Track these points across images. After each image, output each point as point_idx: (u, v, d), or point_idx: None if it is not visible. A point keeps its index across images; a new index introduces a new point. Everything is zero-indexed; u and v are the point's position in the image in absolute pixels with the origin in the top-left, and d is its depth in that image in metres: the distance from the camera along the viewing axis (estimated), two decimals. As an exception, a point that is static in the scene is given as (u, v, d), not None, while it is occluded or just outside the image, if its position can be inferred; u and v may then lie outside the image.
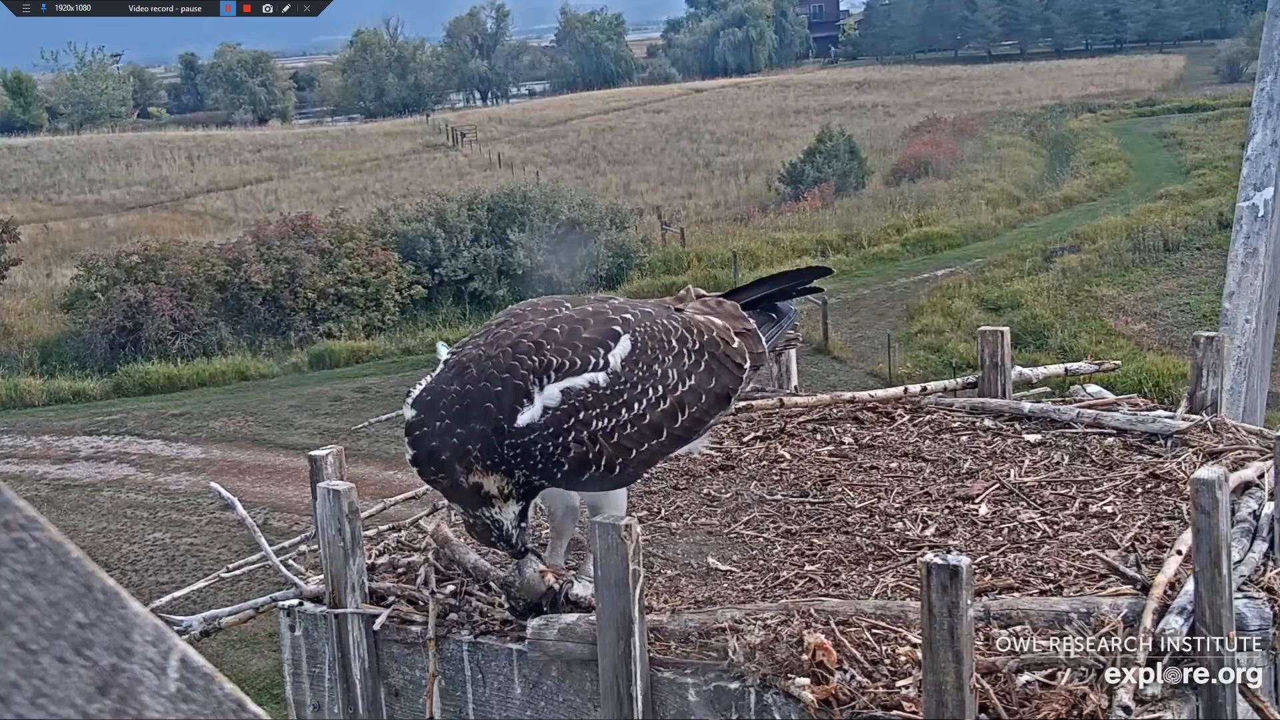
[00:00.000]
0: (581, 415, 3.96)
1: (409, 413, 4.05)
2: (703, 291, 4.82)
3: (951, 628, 3.37)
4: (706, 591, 4.46)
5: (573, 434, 3.94)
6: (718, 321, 4.48)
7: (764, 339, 4.68)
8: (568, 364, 3.99)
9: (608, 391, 4.02)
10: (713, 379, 4.31)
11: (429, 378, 4.13)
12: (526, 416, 3.92)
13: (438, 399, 4.00)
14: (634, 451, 4.08)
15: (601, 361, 4.04)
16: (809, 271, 5.49)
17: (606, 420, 4.01)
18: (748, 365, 4.48)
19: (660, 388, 4.14)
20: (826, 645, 3.72)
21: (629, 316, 4.22)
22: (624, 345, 4.11)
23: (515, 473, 3.96)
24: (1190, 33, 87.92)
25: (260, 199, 47.48)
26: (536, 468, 3.95)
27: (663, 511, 5.31)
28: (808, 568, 4.61)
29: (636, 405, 4.08)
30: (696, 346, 4.29)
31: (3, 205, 43.28)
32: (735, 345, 4.44)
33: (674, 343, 4.24)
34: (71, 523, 19.58)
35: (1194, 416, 5.56)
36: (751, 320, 4.65)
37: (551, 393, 3.95)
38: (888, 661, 3.72)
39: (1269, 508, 4.40)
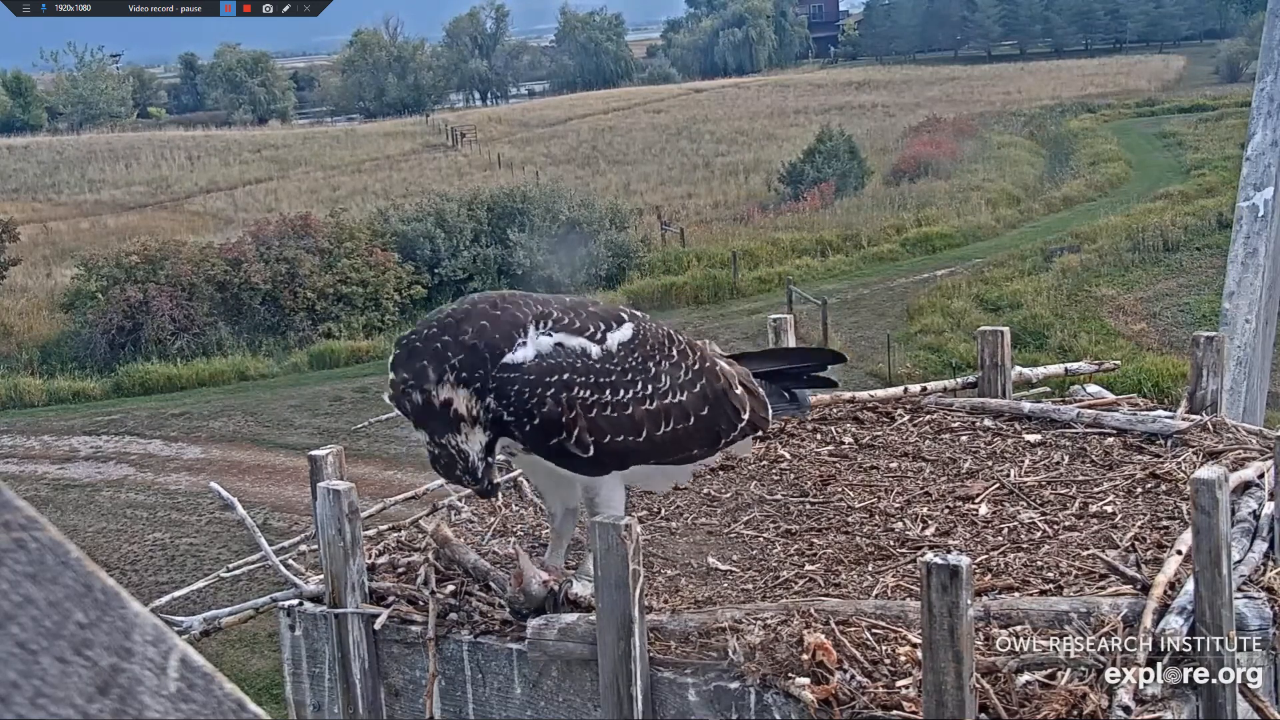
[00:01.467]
0: (566, 376, 3.93)
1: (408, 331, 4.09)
2: (717, 349, 4.77)
3: (951, 628, 3.37)
4: (706, 591, 4.46)
5: (552, 390, 3.90)
6: (725, 366, 4.43)
7: (770, 409, 4.58)
8: (567, 321, 4.01)
9: (598, 366, 4.00)
10: (705, 406, 4.25)
11: None
12: (518, 353, 3.89)
13: (435, 316, 4.06)
14: (608, 437, 4.02)
15: (600, 335, 4.05)
16: (822, 354, 5.44)
17: (588, 393, 3.97)
18: (745, 417, 4.39)
19: (650, 386, 4.11)
20: (826, 645, 3.72)
21: (636, 313, 4.27)
22: (625, 331, 4.11)
23: (487, 399, 3.90)
24: (1190, 33, 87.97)
25: (260, 199, 47.49)
26: (508, 408, 3.89)
27: (663, 511, 5.31)
28: (808, 568, 4.61)
29: (622, 392, 4.04)
30: (696, 367, 4.26)
31: (3, 205, 43.27)
32: (738, 392, 4.38)
33: (674, 352, 4.22)
34: (71, 523, 19.58)
35: (1194, 416, 5.56)
36: (760, 389, 4.55)
37: (545, 341, 3.94)
38: (888, 661, 3.72)
39: (1269, 508, 4.40)
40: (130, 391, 28.42)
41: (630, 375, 4.07)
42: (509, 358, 3.87)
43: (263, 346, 30.36)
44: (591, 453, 4.01)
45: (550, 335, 3.95)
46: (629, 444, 4.09)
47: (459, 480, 4.05)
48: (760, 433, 4.68)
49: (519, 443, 4.02)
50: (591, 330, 4.03)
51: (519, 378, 3.87)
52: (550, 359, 3.92)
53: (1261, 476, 4.68)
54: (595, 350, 4.01)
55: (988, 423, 5.94)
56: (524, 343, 3.91)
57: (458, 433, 3.90)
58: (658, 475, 4.51)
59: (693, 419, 4.23)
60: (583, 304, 4.18)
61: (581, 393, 3.96)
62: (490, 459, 4.00)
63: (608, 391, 4.01)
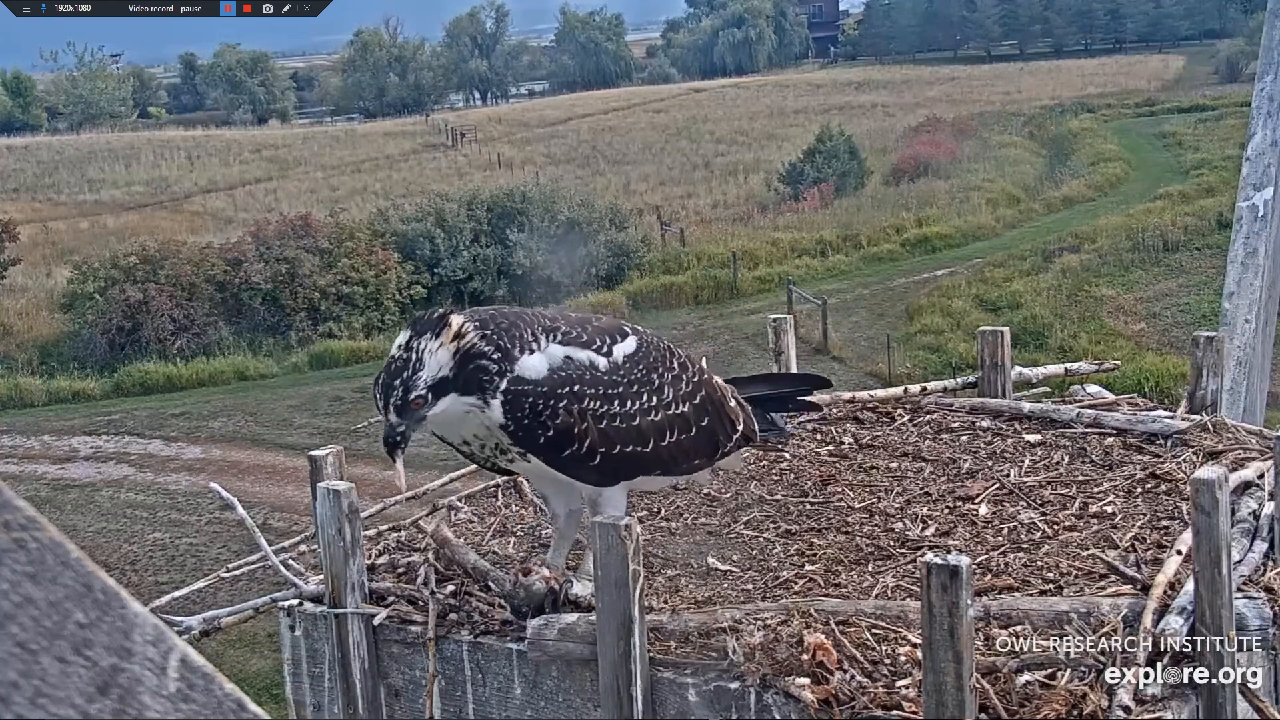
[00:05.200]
0: (576, 388, 3.98)
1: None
2: (703, 366, 4.80)
3: (951, 628, 3.37)
4: (706, 591, 4.47)
5: (564, 401, 3.95)
6: (719, 380, 4.53)
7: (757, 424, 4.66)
8: (574, 334, 4.06)
9: (606, 378, 4.06)
10: (705, 418, 4.31)
11: None
12: (532, 364, 3.91)
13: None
14: (617, 448, 4.08)
15: (606, 348, 4.10)
16: (808, 379, 5.47)
17: (599, 404, 4.03)
18: (740, 429, 4.46)
19: (655, 398, 4.18)
20: (826, 645, 3.72)
21: (639, 327, 4.35)
22: (630, 343, 4.17)
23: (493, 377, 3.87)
24: (1190, 33, 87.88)
25: (260, 199, 47.46)
26: (523, 423, 3.92)
27: (663, 511, 5.31)
28: (808, 568, 4.61)
29: (630, 403, 4.11)
30: (695, 379, 4.33)
31: (2, 205, 43.28)
32: (731, 404, 4.47)
33: (675, 365, 4.29)
34: (71, 523, 19.58)
35: (1194, 416, 5.56)
36: (747, 405, 4.63)
37: (555, 351, 3.98)
38: (888, 661, 3.72)
39: (1269, 508, 4.40)
40: (130, 391, 28.42)
41: (636, 387, 4.13)
42: (522, 365, 3.90)
43: (263, 346, 30.36)
44: (599, 462, 4.07)
45: (560, 346, 3.99)
46: (636, 454, 4.15)
47: (386, 393, 3.78)
48: (752, 444, 4.72)
49: (531, 455, 4.04)
50: (599, 343, 4.09)
51: (531, 390, 3.90)
52: (561, 370, 3.96)
53: (1261, 476, 4.68)
54: (603, 363, 4.06)
55: (987, 423, 5.94)
56: (537, 348, 3.94)
57: (435, 338, 3.81)
58: (657, 484, 4.58)
59: (694, 429, 4.29)
60: (586, 319, 4.24)
61: (592, 404, 4.01)
62: (432, 409, 3.83)
63: (616, 403, 4.07)
